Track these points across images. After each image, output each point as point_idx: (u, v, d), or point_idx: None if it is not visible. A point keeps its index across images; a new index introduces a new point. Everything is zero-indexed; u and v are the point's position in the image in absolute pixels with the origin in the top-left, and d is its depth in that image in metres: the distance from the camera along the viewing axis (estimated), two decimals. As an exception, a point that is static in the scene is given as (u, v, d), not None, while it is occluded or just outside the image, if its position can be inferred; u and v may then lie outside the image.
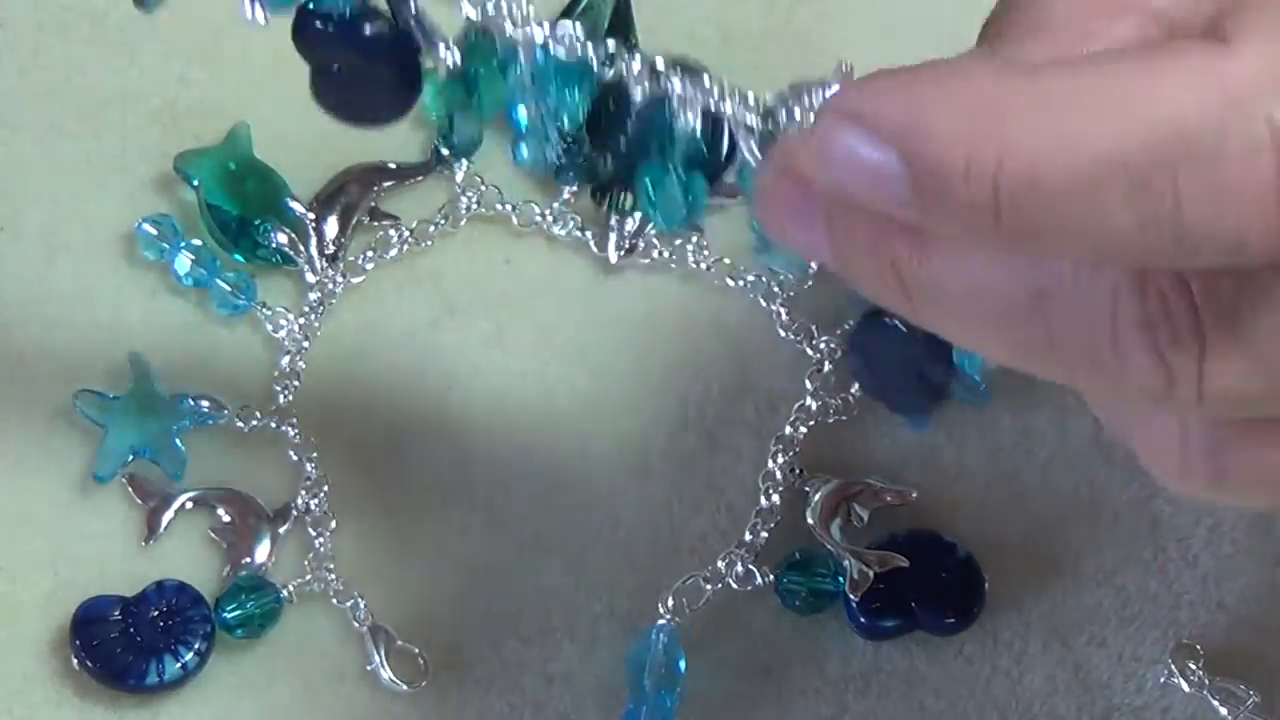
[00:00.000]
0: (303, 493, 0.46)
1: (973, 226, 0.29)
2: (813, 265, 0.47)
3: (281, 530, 0.46)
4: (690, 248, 0.48)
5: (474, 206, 0.48)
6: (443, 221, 0.48)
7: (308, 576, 0.46)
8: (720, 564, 0.46)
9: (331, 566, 0.46)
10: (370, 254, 0.48)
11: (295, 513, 0.46)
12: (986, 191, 0.29)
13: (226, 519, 0.46)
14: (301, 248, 0.47)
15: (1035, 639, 0.46)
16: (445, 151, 0.48)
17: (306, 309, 0.47)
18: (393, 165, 0.48)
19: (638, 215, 0.48)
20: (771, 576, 0.46)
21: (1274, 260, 0.29)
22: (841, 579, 0.45)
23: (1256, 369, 0.31)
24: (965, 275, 0.31)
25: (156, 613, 0.45)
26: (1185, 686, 0.45)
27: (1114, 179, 0.28)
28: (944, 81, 0.29)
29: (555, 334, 0.48)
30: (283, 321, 0.47)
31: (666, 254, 0.48)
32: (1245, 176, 0.28)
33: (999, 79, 0.29)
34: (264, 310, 0.47)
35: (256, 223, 0.47)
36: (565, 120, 0.38)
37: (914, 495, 0.46)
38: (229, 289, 0.47)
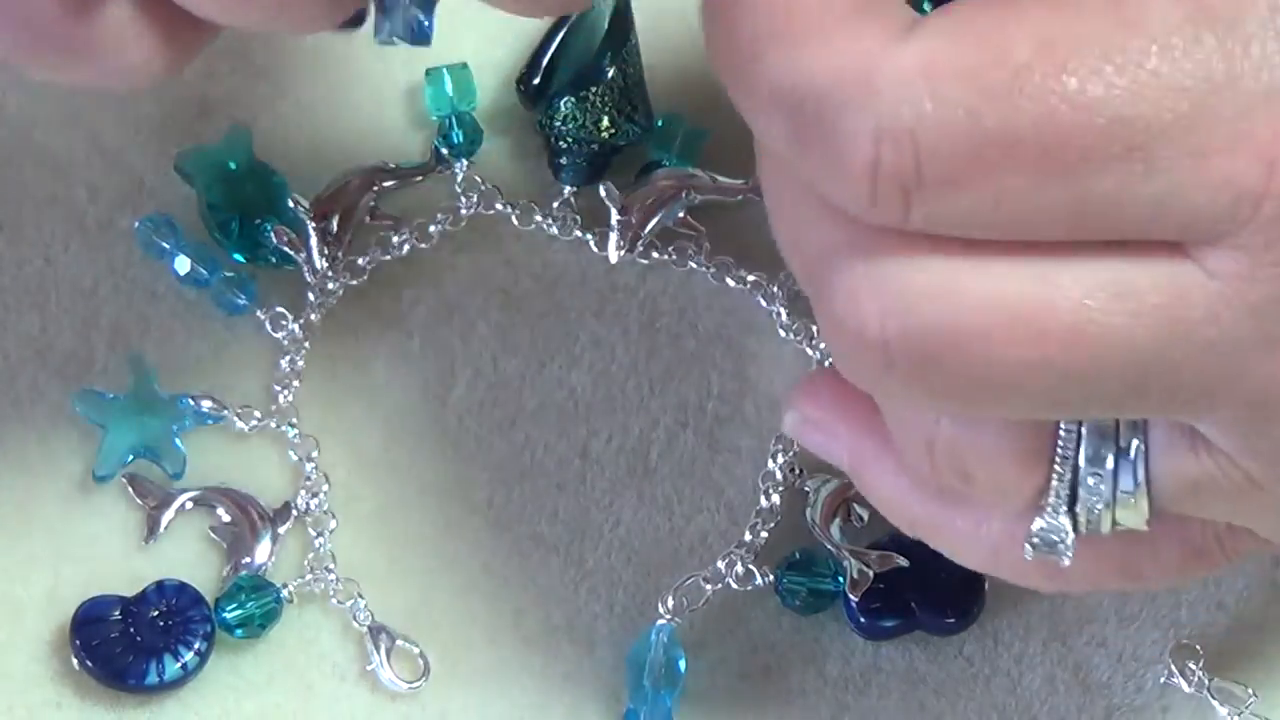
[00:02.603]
0: (303, 493, 0.46)
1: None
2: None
3: (281, 530, 0.46)
4: (690, 248, 0.48)
5: (474, 206, 0.48)
6: (443, 221, 0.48)
7: (308, 576, 0.46)
8: (720, 564, 0.46)
9: (331, 566, 0.46)
10: (370, 254, 0.48)
11: (295, 513, 0.46)
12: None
13: (226, 519, 0.46)
14: (301, 248, 0.47)
15: (1035, 639, 0.46)
16: (445, 151, 0.48)
17: (306, 309, 0.47)
18: (393, 165, 0.48)
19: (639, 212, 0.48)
20: (771, 576, 0.46)
21: (883, 225, 0.33)
22: (841, 579, 0.45)
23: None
24: None
25: (156, 613, 0.45)
26: (1185, 686, 0.45)
27: (781, 107, 0.33)
28: None
29: (555, 334, 0.48)
30: (283, 321, 0.47)
31: (667, 254, 0.48)
32: (853, 153, 0.32)
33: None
34: (264, 310, 0.47)
35: (256, 223, 0.47)
36: None
37: (914, 495, 0.46)
38: (229, 289, 0.47)
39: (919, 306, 0.33)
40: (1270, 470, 0.35)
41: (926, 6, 0.47)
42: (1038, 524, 0.36)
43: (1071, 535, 0.36)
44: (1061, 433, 0.36)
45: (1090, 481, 0.36)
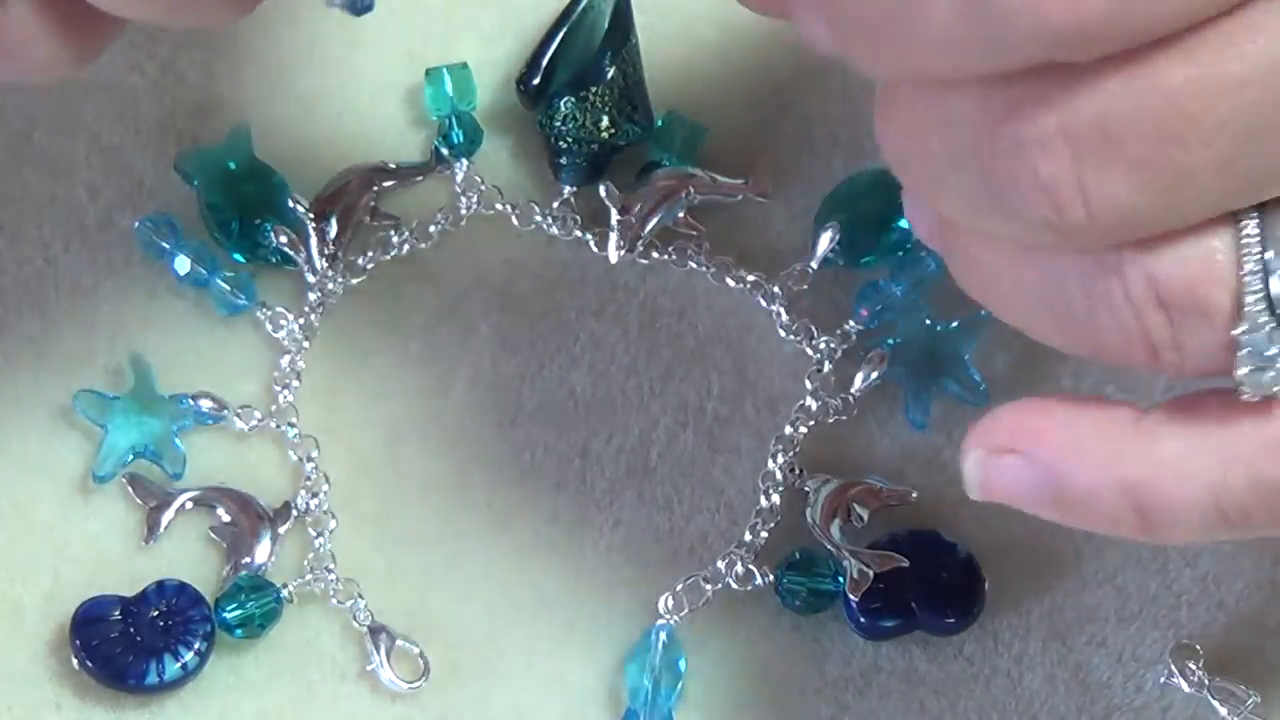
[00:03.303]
0: (303, 493, 0.46)
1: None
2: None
3: (281, 530, 0.46)
4: (690, 248, 0.48)
5: (474, 206, 0.48)
6: (443, 221, 0.48)
7: (308, 576, 0.46)
8: (720, 564, 0.46)
9: (331, 566, 0.46)
10: (370, 254, 0.48)
11: (295, 513, 0.46)
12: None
13: (226, 519, 0.46)
14: (301, 248, 0.47)
15: (1035, 639, 0.46)
16: (445, 151, 0.48)
17: (306, 309, 0.47)
18: (393, 165, 0.48)
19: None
20: (771, 576, 0.46)
21: (1102, 52, 0.32)
22: (841, 579, 0.45)
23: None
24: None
25: (156, 613, 0.45)
26: (1185, 686, 0.45)
27: None
28: None
29: (555, 334, 0.48)
30: (283, 321, 0.47)
31: (667, 254, 0.48)
32: None
33: None
34: (264, 310, 0.47)
35: (256, 223, 0.47)
36: None
37: (914, 495, 0.46)
38: (229, 289, 0.47)
39: None
40: None
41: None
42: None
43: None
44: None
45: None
